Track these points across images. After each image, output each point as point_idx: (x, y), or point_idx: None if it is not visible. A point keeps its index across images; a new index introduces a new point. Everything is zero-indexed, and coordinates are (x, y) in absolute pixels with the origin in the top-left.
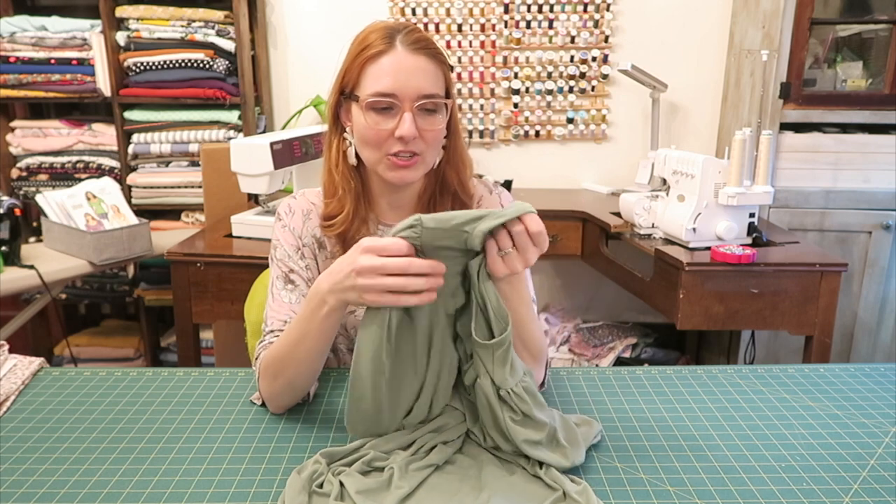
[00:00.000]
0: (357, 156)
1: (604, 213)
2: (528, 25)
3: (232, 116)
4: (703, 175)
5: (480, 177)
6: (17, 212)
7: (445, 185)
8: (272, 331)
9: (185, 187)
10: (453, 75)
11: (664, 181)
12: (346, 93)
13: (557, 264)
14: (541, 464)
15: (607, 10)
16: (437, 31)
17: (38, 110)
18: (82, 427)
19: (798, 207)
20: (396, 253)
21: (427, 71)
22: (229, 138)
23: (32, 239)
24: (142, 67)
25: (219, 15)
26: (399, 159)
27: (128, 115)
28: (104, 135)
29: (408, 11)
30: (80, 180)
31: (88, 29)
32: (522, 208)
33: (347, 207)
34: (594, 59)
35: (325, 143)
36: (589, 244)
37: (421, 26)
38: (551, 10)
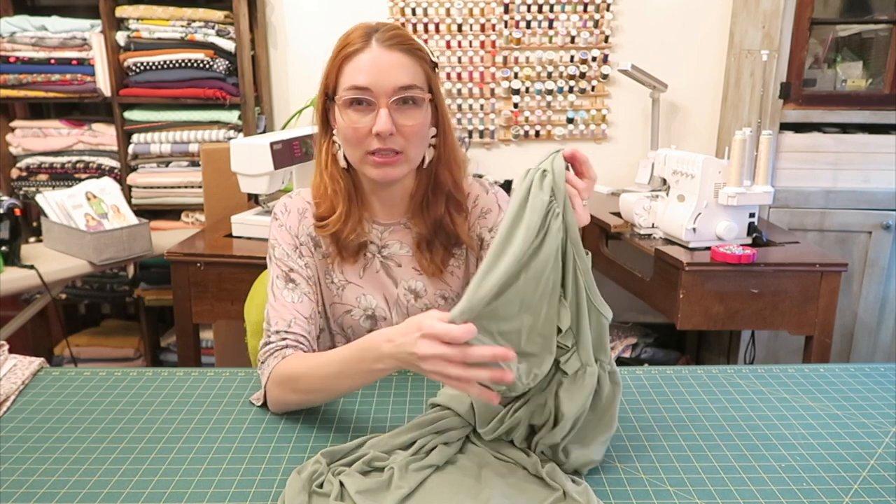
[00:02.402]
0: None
1: (604, 213)
2: (528, 25)
3: (232, 116)
4: (703, 175)
5: (481, 177)
6: (17, 212)
7: (439, 185)
8: (278, 331)
9: (185, 187)
10: (443, 74)
11: (664, 181)
12: (328, 94)
13: None
14: (542, 463)
15: (607, 10)
16: (438, 31)
17: (38, 110)
18: (82, 427)
19: (798, 207)
20: (455, 341)
21: (403, 65)
22: (229, 138)
23: (32, 239)
24: (142, 67)
25: (219, 15)
26: (379, 157)
27: (128, 115)
28: (104, 135)
29: (408, 11)
30: (80, 180)
31: (88, 29)
32: (554, 154)
33: (340, 209)
34: (594, 59)
35: (315, 147)
36: (589, 244)
37: (421, 27)
38: (551, 10)
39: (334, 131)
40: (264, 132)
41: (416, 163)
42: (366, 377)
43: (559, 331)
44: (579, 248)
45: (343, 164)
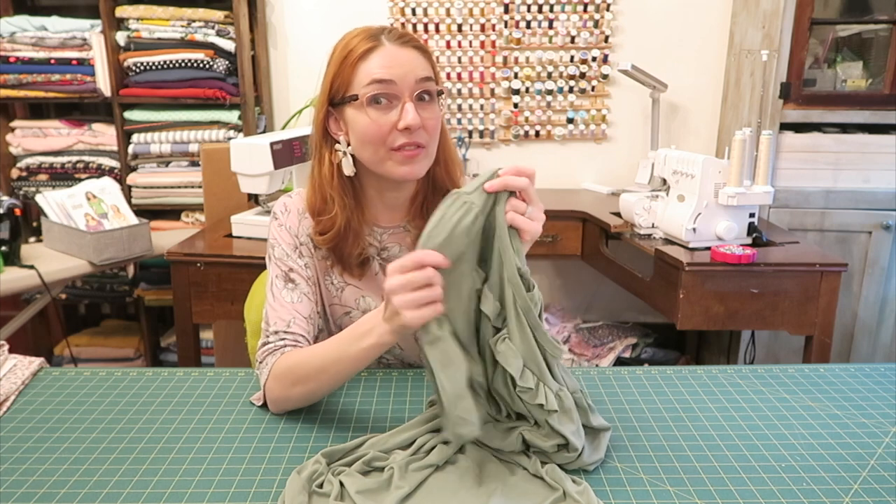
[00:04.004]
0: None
1: (604, 213)
2: (528, 25)
3: (232, 116)
4: (703, 175)
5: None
6: (17, 212)
7: (437, 185)
8: (276, 331)
9: (185, 187)
10: (443, 74)
11: (664, 181)
12: (337, 99)
13: (557, 264)
14: (543, 463)
15: (607, 10)
16: (438, 31)
17: (38, 110)
18: (82, 427)
19: (798, 207)
20: (415, 267)
21: (418, 59)
22: (229, 138)
23: (32, 239)
24: (142, 67)
25: (219, 15)
26: (406, 151)
27: (128, 115)
28: (104, 135)
29: (408, 11)
30: (80, 180)
31: (88, 29)
32: (492, 171)
33: (339, 222)
34: (594, 59)
35: (314, 159)
36: (589, 244)
37: (421, 27)
38: (551, 10)
39: (337, 140)
40: (264, 132)
41: (433, 159)
42: (360, 355)
43: (513, 380)
44: (519, 287)
45: (350, 172)
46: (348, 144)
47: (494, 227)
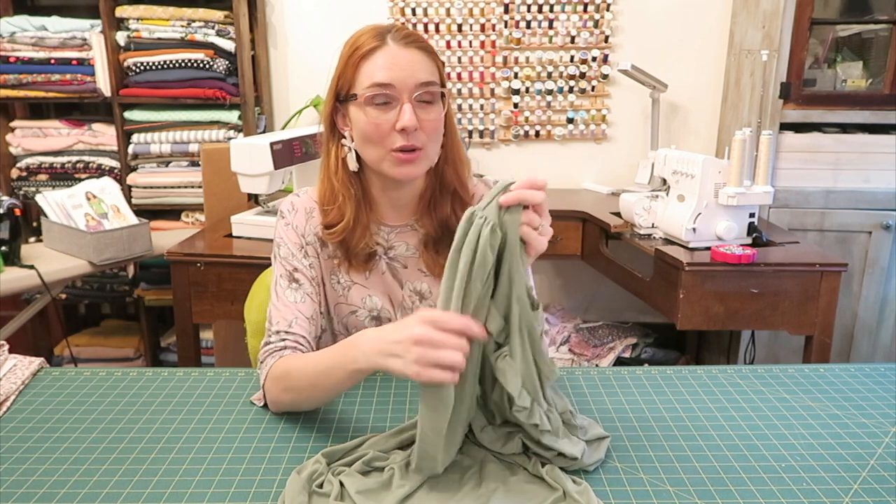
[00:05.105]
0: (356, 160)
1: (604, 213)
2: (528, 25)
3: (232, 116)
4: (703, 175)
5: (481, 176)
6: (17, 212)
7: (444, 184)
8: (278, 331)
9: (185, 187)
10: (450, 75)
11: (664, 181)
12: (342, 96)
13: (557, 264)
14: (542, 463)
15: (607, 10)
16: (438, 31)
17: (38, 110)
18: (82, 427)
19: (798, 207)
20: (454, 329)
21: (421, 62)
22: (229, 138)
23: (32, 239)
24: (142, 67)
25: (219, 15)
26: (402, 154)
27: (128, 115)
28: (104, 135)
29: (408, 11)
30: (80, 180)
31: (88, 29)
32: (504, 184)
33: (348, 215)
34: (594, 59)
35: (322, 152)
36: (589, 244)
37: (421, 27)
38: (551, 10)
39: (343, 135)
40: (264, 132)
41: (434, 160)
42: (343, 377)
43: (511, 399)
44: (526, 306)
45: (354, 167)
46: (353, 140)
47: (506, 241)
